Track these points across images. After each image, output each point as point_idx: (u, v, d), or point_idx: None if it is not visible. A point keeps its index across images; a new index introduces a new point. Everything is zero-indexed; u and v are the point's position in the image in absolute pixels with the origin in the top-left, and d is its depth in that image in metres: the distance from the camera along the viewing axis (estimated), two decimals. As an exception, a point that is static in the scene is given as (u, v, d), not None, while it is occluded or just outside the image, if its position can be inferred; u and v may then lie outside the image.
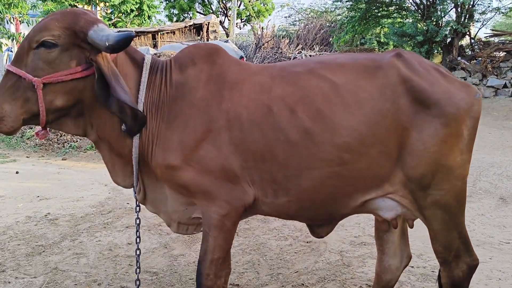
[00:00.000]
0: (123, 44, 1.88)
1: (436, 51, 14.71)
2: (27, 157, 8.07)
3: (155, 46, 20.53)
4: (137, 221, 2.42)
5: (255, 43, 16.33)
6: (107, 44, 1.86)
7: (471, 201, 5.27)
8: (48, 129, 2.10)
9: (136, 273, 2.50)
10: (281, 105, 2.02)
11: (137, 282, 2.49)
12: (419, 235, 4.07)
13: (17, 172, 6.68)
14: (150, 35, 21.42)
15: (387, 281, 2.54)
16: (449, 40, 14.02)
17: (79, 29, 1.92)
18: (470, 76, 13.76)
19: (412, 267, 3.43)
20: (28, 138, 8.86)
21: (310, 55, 15.93)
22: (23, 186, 5.90)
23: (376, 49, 18.30)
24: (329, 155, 2.00)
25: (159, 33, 20.99)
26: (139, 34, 21.44)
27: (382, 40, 17.77)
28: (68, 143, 8.44)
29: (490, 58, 13.80)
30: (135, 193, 2.29)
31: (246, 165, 2.05)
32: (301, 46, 17.63)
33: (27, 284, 3.12)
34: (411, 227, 2.32)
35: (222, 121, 2.03)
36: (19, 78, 1.91)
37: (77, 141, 8.45)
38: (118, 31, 1.96)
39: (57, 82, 1.92)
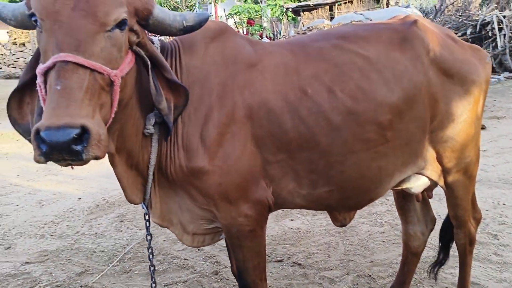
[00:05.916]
0: (203, 24, 1.62)
1: None
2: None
3: (331, 18, 20.39)
4: (148, 237, 2.07)
5: (435, 6, 14.61)
6: (184, 25, 1.57)
7: None
8: None
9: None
10: (316, 86, 1.82)
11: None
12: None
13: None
14: (327, 7, 21.38)
15: (415, 248, 2.58)
16: None
17: (142, 6, 1.50)
18: None
19: None
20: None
21: (504, 16, 13.43)
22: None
23: None
24: (374, 135, 1.87)
25: (336, 4, 20.74)
26: (316, 6, 21.66)
27: None
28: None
29: None
30: (146, 206, 1.90)
31: (274, 159, 1.81)
32: (496, 5, 14.93)
33: (132, 234, 3.72)
34: (431, 198, 2.39)
35: (245, 110, 1.75)
36: (92, 75, 1.33)
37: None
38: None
39: (125, 74, 1.48)
